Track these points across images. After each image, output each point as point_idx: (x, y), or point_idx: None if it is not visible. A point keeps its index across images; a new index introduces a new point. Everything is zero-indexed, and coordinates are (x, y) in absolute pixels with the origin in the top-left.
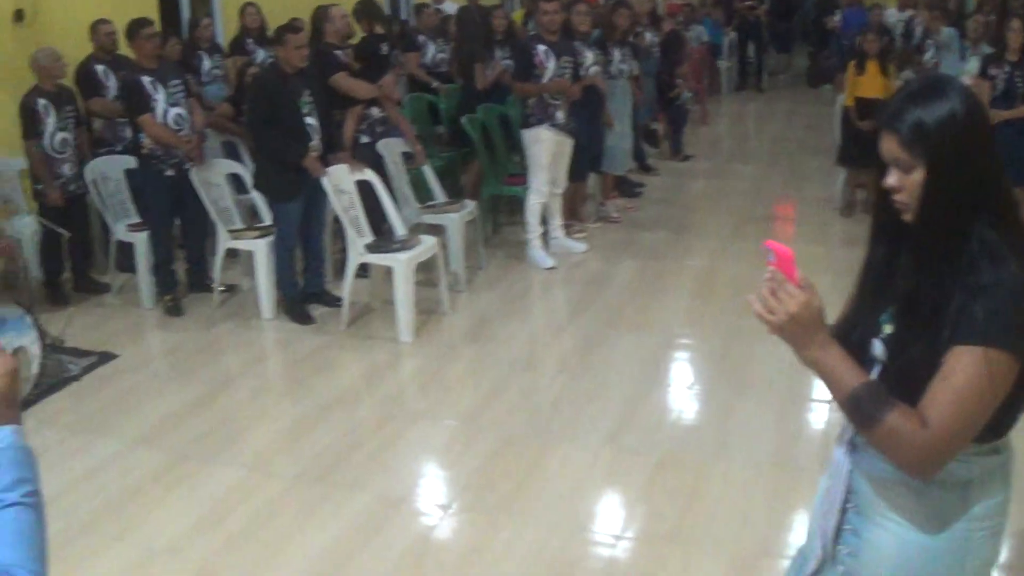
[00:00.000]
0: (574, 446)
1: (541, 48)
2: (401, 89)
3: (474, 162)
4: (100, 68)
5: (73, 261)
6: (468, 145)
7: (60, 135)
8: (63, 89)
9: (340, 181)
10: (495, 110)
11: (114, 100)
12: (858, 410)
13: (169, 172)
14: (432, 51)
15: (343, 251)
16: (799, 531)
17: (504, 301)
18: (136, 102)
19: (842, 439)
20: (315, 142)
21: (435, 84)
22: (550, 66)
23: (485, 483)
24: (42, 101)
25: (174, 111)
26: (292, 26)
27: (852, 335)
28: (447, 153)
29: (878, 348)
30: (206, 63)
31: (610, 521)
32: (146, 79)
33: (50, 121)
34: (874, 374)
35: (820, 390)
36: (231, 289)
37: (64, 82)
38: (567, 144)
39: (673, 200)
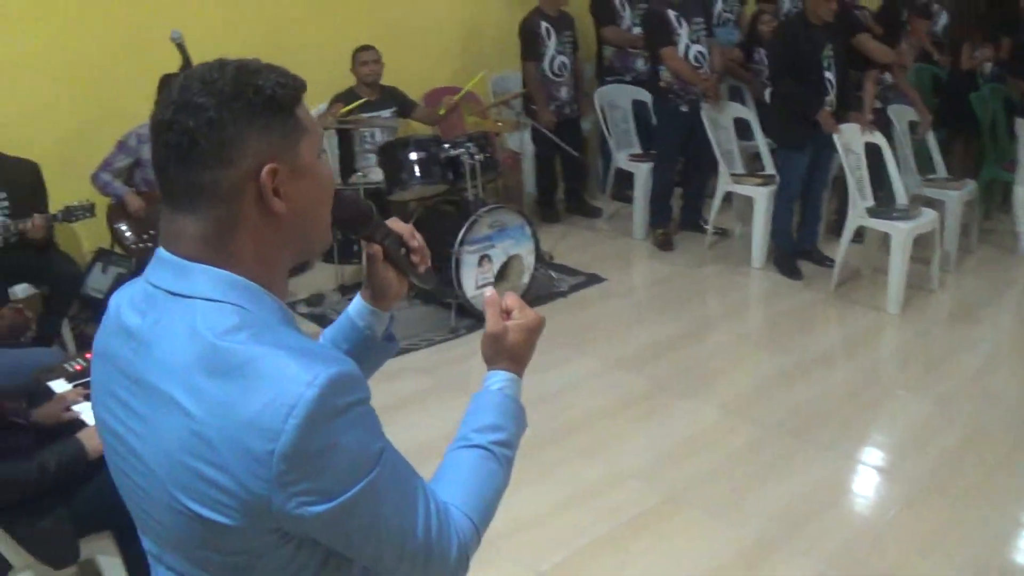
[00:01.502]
0: None
1: None
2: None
3: (967, 141)
4: None
5: (566, 183)
6: (959, 122)
7: (559, 59)
8: (564, 14)
9: (851, 140)
10: (1001, 91)
11: (627, 30)
12: None
13: (684, 108)
14: (944, 20)
15: (836, 212)
16: None
17: (990, 288)
18: (660, 34)
19: None
20: (831, 97)
21: (937, 56)
22: None
23: (955, 469)
24: (544, 24)
25: (695, 48)
26: None
27: None
28: (940, 129)
29: None
30: (719, 4)
31: None
32: (671, 13)
33: (550, 44)
34: None
35: None
36: (723, 232)
37: (565, 9)
38: None
39: None
